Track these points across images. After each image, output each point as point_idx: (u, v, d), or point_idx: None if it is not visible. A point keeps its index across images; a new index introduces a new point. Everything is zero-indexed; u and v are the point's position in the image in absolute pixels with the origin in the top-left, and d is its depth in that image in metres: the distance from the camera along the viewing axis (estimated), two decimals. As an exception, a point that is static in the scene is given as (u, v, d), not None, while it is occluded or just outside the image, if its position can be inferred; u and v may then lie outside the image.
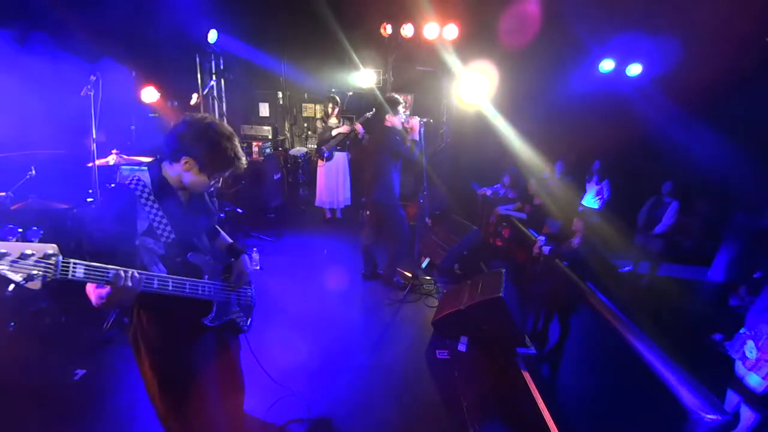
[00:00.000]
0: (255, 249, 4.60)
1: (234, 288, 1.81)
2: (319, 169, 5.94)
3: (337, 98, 5.83)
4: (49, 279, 1.17)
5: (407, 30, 6.03)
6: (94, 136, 3.20)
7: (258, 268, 4.39)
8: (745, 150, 4.90)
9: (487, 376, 3.04)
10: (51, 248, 1.18)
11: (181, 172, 1.55)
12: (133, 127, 5.21)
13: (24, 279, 1.13)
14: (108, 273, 1.29)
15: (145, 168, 1.60)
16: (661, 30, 5.42)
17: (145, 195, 1.49)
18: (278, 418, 2.51)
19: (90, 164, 3.38)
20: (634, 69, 6.02)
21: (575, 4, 5.39)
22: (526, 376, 3.05)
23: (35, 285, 1.15)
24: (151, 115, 5.63)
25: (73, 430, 2.37)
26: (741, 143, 4.94)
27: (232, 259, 1.88)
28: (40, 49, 3.93)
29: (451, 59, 6.10)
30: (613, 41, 5.87)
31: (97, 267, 1.27)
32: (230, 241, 1.97)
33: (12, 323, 3.04)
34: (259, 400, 2.55)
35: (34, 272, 1.15)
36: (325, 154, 5.72)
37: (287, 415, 2.53)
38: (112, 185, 1.52)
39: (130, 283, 1.33)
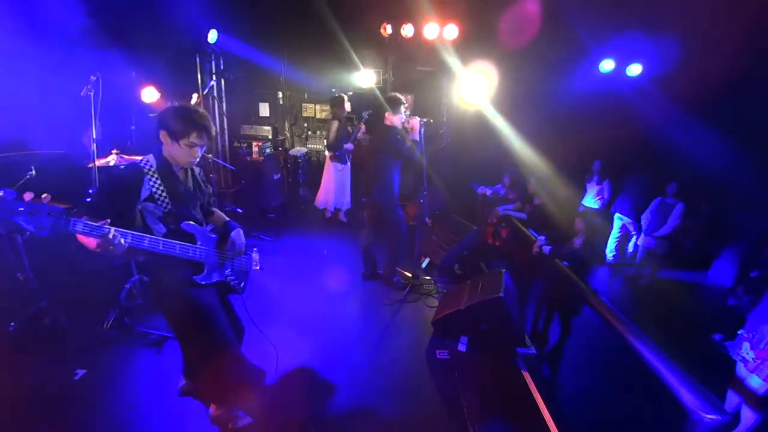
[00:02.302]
0: (255, 249, 4.58)
1: (227, 254, 2.14)
2: (331, 172, 5.77)
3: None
4: (53, 230, 1.50)
5: (407, 30, 6.03)
6: (94, 136, 3.19)
7: (258, 268, 4.38)
8: (746, 150, 4.89)
9: (487, 376, 3.04)
10: (57, 209, 1.50)
11: (164, 146, 1.89)
12: (133, 127, 5.20)
13: (36, 229, 1.46)
14: (102, 230, 1.60)
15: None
16: (661, 30, 5.42)
17: (150, 171, 1.85)
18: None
19: (90, 164, 3.38)
20: (634, 69, 6.01)
21: (575, 4, 5.38)
22: (526, 376, 3.05)
23: (41, 233, 1.48)
24: (151, 115, 5.62)
25: (73, 430, 2.37)
26: (741, 143, 4.93)
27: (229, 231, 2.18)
28: (40, 49, 3.92)
29: (451, 59, 6.09)
30: (613, 41, 5.86)
31: (92, 225, 1.59)
32: (227, 219, 2.29)
33: (12, 323, 3.04)
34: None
35: (42, 224, 1.47)
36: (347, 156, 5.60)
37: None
38: (127, 164, 2.04)
39: (115, 240, 1.63)
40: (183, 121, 1.83)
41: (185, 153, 1.88)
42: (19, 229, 1.49)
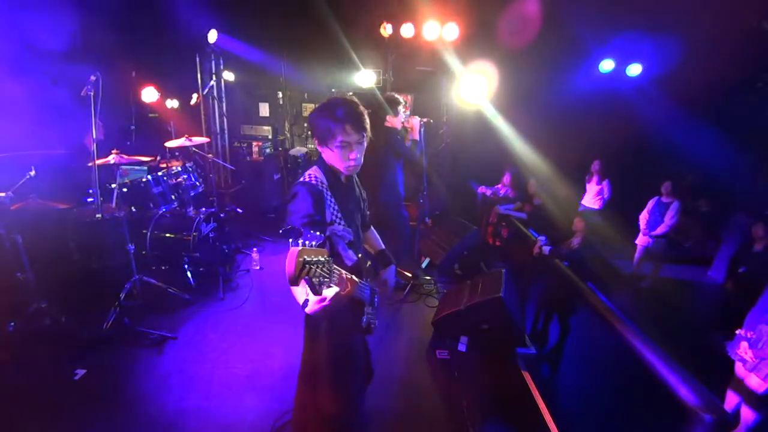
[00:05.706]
0: (255, 249, 4.59)
1: (376, 291, 1.84)
2: None
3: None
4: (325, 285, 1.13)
5: (407, 30, 6.03)
6: (94, 136, 3.19)
7: (258, 268, 4.39)
8: (745, 149, 4.90)
9: (487, 376, 3.04)
10: (327, 253, 1.12)
11: (323, 154, 1.62)
12: (133, 127, 5.21)
13: (320, 286, 1.10)
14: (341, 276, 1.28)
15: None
16: (661, 30, 5.42)
17: (324, 188, 1.57)
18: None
19: (90, 164, 3.38)
20: (634, 69, 6.02)
21: (575, 4, 5.39)
22: (526, 376, 3.05)
23: (319, 292, 1.12)
24: (151, 115, 5.63)
25: (73, 430, 2.37)
26: (741, 143, 4.95)
27: (375, 265, 1.91)
28: (40, 50, 3.93)
29: (451, 59, 6.09)
30: (613, 41, 5.87)
31: (335, 269, 1.25)
32: (382, 246, 2.00)
33: (12, 323, 3.04)
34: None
35: (326, 279, 1.10)
36: None
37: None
38: (300, 182, 1.57)
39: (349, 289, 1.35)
40: (325, 118, 1.53)
41: (339, 157, 1.58)
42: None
